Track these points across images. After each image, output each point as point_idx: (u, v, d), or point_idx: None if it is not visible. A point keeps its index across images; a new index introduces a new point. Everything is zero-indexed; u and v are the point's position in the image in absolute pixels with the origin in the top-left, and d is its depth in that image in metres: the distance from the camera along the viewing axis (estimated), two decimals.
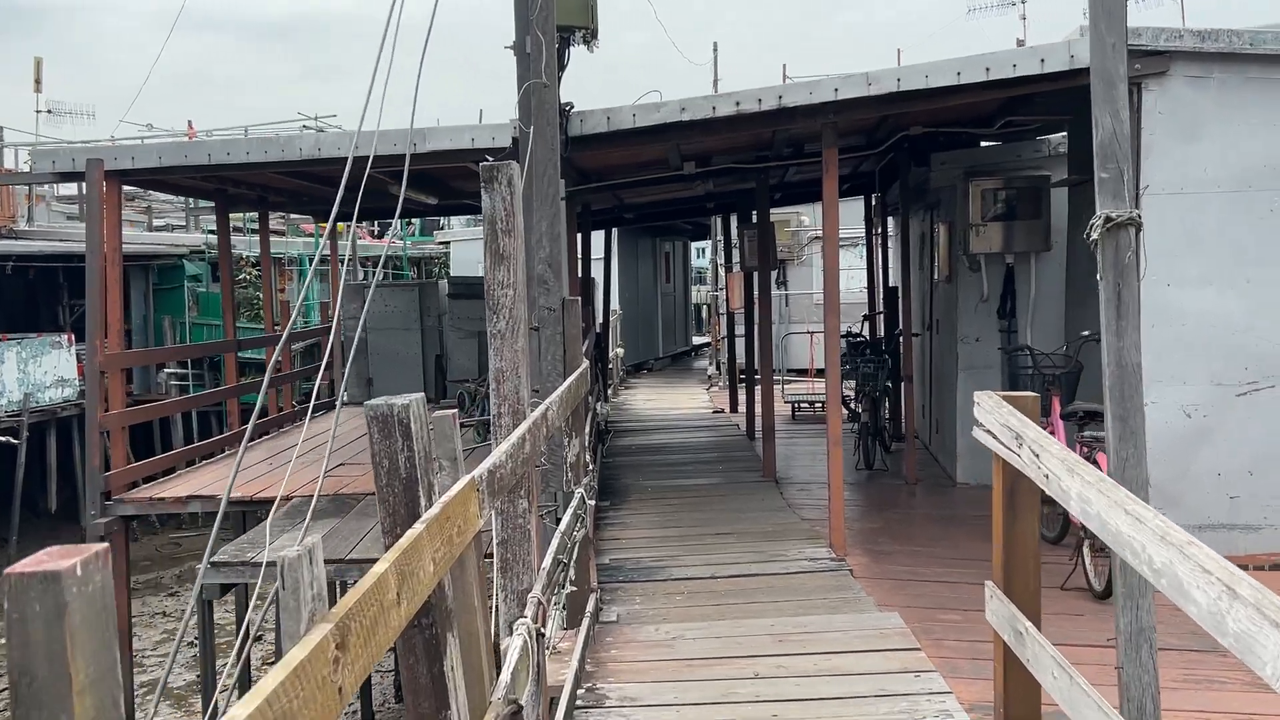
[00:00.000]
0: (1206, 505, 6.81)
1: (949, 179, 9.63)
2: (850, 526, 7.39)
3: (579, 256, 11.01)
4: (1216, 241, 6.77)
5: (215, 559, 6.53)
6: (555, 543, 4.31)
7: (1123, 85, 3.44)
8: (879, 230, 14.52)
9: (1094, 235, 3.37)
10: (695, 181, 10.88)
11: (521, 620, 3.16)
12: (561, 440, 5.51)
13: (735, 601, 6.17)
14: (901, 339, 10.91)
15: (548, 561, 4.02)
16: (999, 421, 3.94)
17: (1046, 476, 3.28)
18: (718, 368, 19.43)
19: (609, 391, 16.78)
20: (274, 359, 7.86)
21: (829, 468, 7.11)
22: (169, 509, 8.82)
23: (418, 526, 2.03)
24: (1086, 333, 7.25)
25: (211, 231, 19.93)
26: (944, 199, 10.22)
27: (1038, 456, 3.32)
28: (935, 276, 10.61)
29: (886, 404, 11.00)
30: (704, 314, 29.95)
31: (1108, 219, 3.36)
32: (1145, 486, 3.49)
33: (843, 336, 14.58)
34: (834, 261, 6.98)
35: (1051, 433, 7.42)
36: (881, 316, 12.62)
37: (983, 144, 10.16)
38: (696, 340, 27.02)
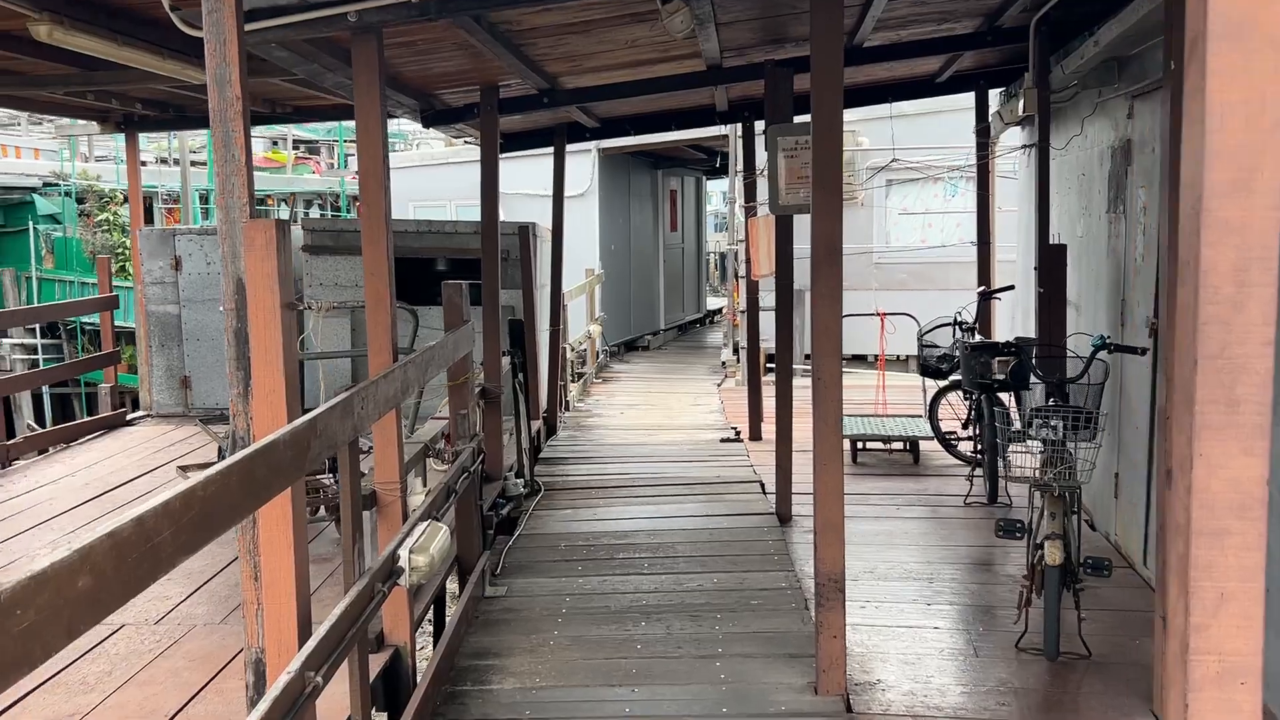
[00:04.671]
0: None
1: None
2: None
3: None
4: None
5: None
6: None
7: None
8: (993, 144, 8.88)
9: None
10: (675, 24, 5.24)
11: None
12: None
13: None
14: (1108, 351, 5.27)
15: None
16: None
17: None
18: (735, 352, 13.86)
19: (569, 398, 11.24)
20: None
21: None
22: None
23: None
24: None
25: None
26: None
27: None
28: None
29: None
30: (724, 266, 24.04)
31: None
32: None
33: (950, 327, 8.63)
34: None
35: None
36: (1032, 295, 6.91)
37: None
38: (712, 304, 21.27)
